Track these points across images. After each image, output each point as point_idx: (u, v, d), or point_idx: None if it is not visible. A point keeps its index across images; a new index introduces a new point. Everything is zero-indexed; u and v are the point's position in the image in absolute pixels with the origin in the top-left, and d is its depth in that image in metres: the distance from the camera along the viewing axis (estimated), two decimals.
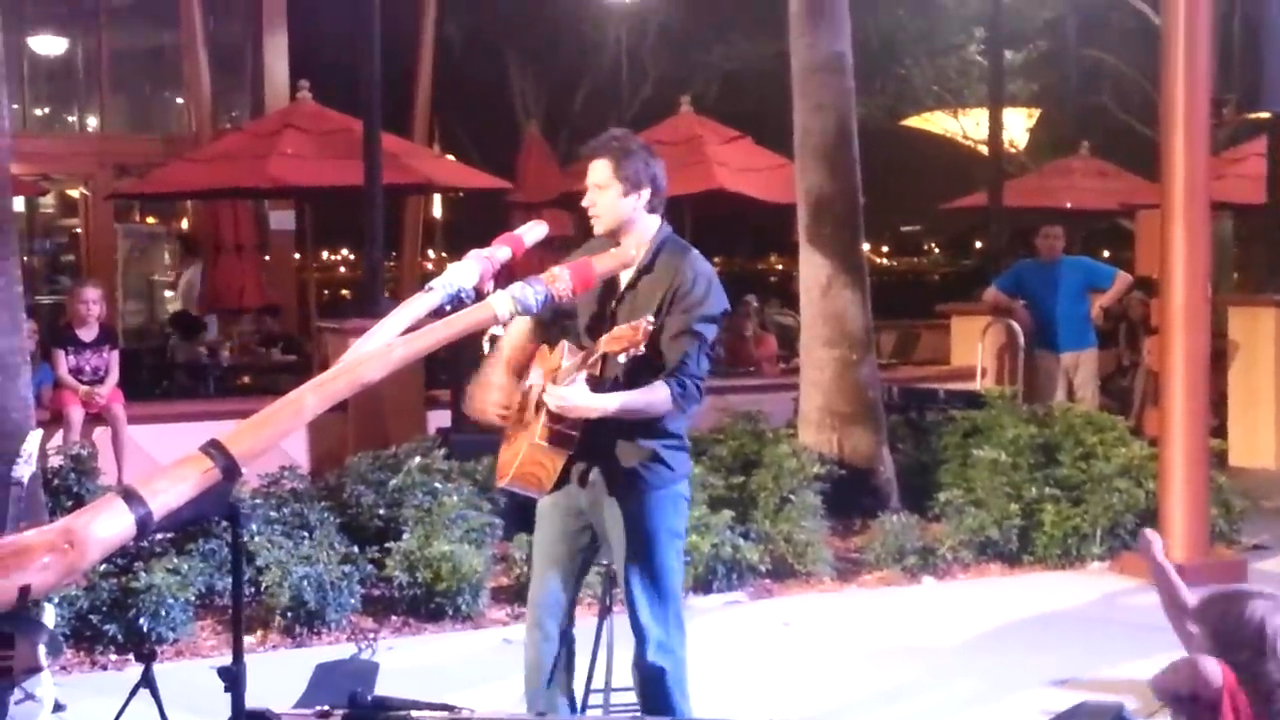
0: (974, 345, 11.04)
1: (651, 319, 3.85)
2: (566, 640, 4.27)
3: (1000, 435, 8.27)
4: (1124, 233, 17.80)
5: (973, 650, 6.19)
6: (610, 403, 3.97)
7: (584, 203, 4.14)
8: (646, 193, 4.11)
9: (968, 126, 19.50)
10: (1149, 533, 3.80)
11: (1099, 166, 16.08)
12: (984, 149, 15.15)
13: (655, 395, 4.00)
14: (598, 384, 3.97)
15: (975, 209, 15.55)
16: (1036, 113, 19.89)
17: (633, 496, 4.08)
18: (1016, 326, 10.49)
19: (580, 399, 3.91)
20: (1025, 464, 8.08)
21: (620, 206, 4.09)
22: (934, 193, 19.53)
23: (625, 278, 4.11)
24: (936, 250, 36.98)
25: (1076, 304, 10.23)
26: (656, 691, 4.13)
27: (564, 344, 4.06)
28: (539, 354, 4.18)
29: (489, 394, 4.17)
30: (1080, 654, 6.04)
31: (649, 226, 4.15)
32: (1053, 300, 10.21)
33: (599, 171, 4.08)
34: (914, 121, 20.64)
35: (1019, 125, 19.39)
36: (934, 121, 20.52)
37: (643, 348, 3.81)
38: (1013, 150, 18.33)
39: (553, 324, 4.19)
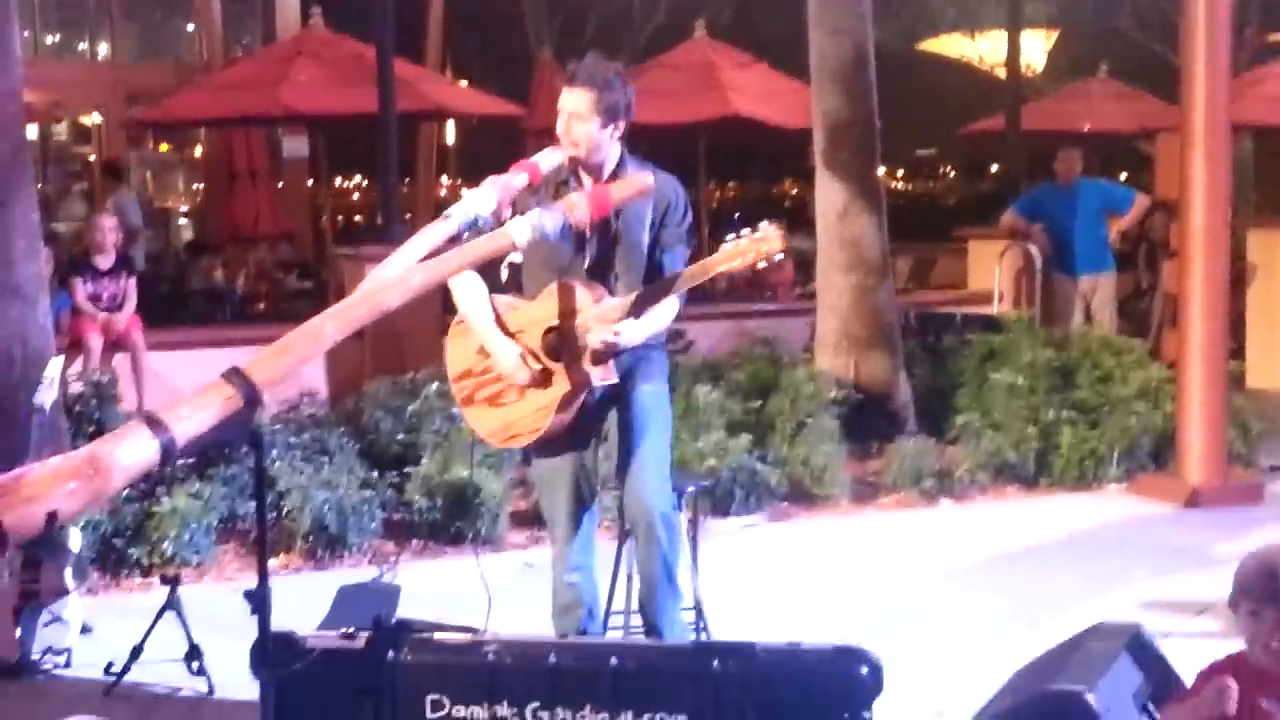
0: (991, 269, 11.00)
1: (776, 232, 3.80)
2: (591, 581, 4.32)
3: (1017, 358, 8.27)
4: (1143, 155, 17.64)
5: (990, 572, 6.22)
6: (656, 324, 4.06)
7: (559, 130, 4.10)
8: (622, 124, 4.13)
9: (984, 50, 19.27)
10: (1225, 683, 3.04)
11: (1118, 89, 15.91)
12: (1001, 72, 14.98)
13: (671, 310, 4.11)
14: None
15: (992, 133, 15.42)
16: (1054, 35, 19.64)
17: (639, 386, 4.15)
18: (1034, 250, 10.45)
19: (634, 330, 3.97)
20: (1042, 387, 8.08)
21: (598, 138, 4.11)
22: (950, 117, 19.34)
23: None
24: (953, 174, 36.72)
25: (1094, 227, 10.18)
26: (663, 572, 4.17)
27: (568, 285, 3.99)
28: (508, 306, 4.13)
29: (516, 353, 4.07)
30: (1098, 575, 6.07)
31: (616, 152, 4.18)
32: (1070, 223, 10.16)
33: (578, 101, 4.07)
34: (930, 45, 20.41)
35: (1037, 48, 19.15)
36: (950, 45, 20.29)
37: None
38: (1030, 73, 18.12)
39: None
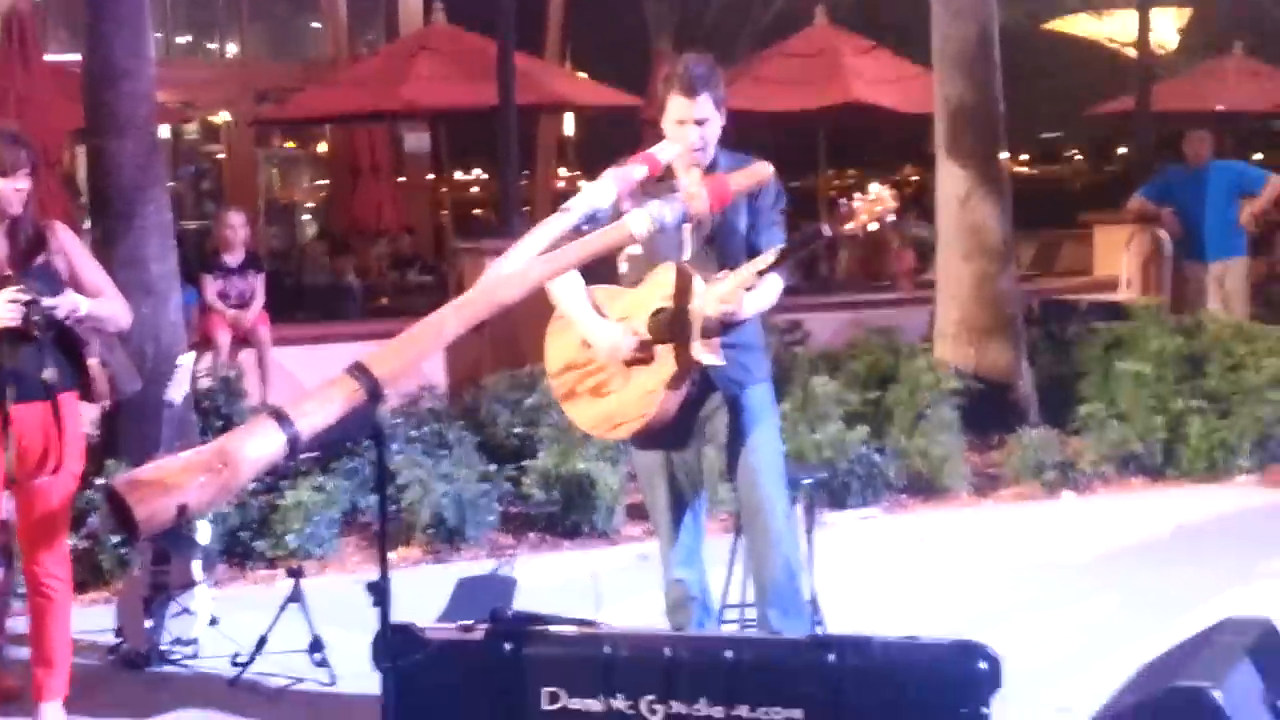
0: (1118, 255, 10.77)
1: (888, 192, 3.82)
2: (701, 576, 4.29)
3: (1145, 347, 8.09)
4: (1277, 135, 17.12)
5: (1114, 566, 6.10)
6: (766, 298, 4.01)
7: (693, 140, 4.01)
8: (724, 110, 4.10)
9: (1113, 29, 18.78)
10: None
11: (1253, 67, 15.46)
12: (1130, 51, 14.61)
13: (776, 288, 4.06)
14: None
15: (1121, 114, 15.07)
16: (1187, 12, 19.10)
17: (748, 386, 4.12)
18: (1163, 235, 10.20)
19: (749, 302, 3.93)
20: (1170, 376, 7.90)
21: (718, 132, 4.09)
22: (1076, 98, 18.95)
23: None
24: (1079, 157, 35.95)
25: (1225, 210, 9.89)
26: (784, 573, 4.09)
27: (674, 266, 3.96)
28: (610, 294, 4.11)
29: (617, 330, 4.05)
30: (1227, 568, 5.92)
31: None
32: (1200, 207, 9.90)
33: (704, 107, 4.02)
34: (1056, 25, 19.95)
35: (1168, 26, 18.60)
36: (1077, 24, 19.80)
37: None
38: (1161, 52, 17.63)
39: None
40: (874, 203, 3.78)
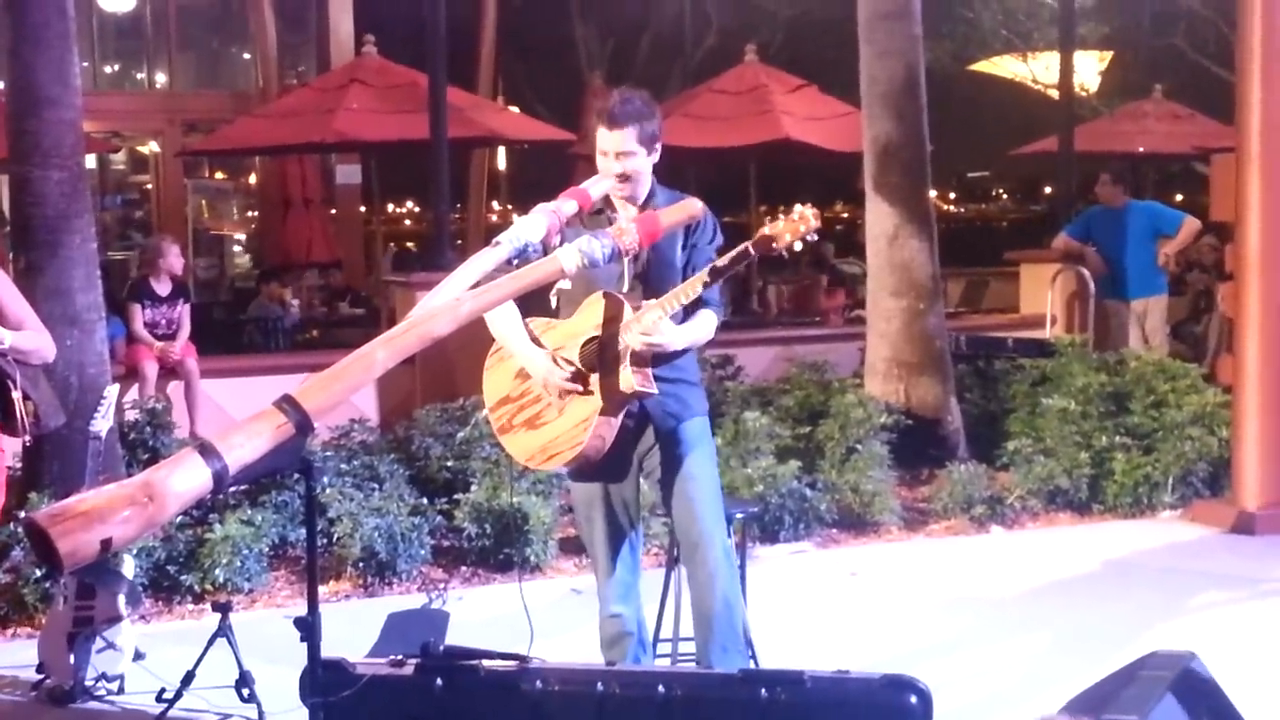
0: (1044, 293, 10.93)
1: (810, 212, 3.89)
2: (637, 611, 4.29)
3: (1070, 384, 8.21)
4: (1198, 177, 17.46)
5: (1042, 600, 6.16)
6: (696, 332, 4.09)
7: (616, 173, 4.07)
8: (659, 148, 4.16)
9: (1037, 70, 19.14)
10: None
11: (1172, 110, 15.79)
12: (1054, 93, 14.87)
13: (711, 323, 4.15)
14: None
15: (1045, 154, 15.33)
16: (1108, 56, 19.49)
17: (684, 420, 4.15)
18: (1086, 273, 10.37)
19: (676, 333, 4.00)
20: (1095, 412, 8.01)
21: (648, 168, 4.14)
22: (1002, 138, 19.24)
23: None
24: (1005, 197, 36.52)
25: (1144, 250, 10.08)
26: (723, 610, 4.09)
27: (605, 296, 3.99)
28: (544, 325, 4.14)
29: (547, 357, 4.08)
30: (1152, 603, 6.01)
31: (650, 179, 4.19)
32: (1121, 247, 10.09)
33: (626, 139, 4.07)
34: (982, 66, 20.28)
35: (1090, 68, 19.00)
36: (1002, 66, 20.14)
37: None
38: (1084, 94, 17.97)
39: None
40: (797, 222, 3.85)
